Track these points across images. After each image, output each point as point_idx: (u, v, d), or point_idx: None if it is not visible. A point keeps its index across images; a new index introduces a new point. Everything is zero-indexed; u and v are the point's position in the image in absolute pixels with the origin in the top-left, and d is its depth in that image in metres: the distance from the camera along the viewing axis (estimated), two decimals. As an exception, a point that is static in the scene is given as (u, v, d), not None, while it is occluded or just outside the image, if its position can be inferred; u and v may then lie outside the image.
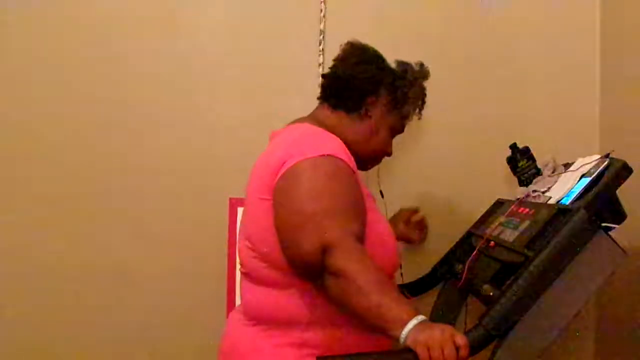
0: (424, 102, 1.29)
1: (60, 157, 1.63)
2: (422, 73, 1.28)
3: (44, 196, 1.63)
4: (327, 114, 1.23)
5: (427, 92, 1.30)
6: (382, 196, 1.36)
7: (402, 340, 0.87)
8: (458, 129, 1.71)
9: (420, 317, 0.89)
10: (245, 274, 1.18)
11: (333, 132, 1.17)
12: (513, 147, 1.42)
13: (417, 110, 1.28)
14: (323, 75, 1.27)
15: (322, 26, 1.66)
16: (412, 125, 1.68)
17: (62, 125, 1.63)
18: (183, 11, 1.66)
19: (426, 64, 1.67)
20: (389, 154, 1.31)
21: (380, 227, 1.13)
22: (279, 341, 1.09)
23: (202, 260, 1.62)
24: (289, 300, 1.09)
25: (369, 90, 1.21)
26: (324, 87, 1.26)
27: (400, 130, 1.30)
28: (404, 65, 1.27)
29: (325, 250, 0.95)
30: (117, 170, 1.65)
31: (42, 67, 1.62)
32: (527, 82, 1.72)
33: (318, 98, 1.26)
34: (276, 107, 1.57)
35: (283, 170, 1.04)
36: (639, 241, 1.32)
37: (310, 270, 0.99)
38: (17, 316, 1.62)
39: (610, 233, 1.01)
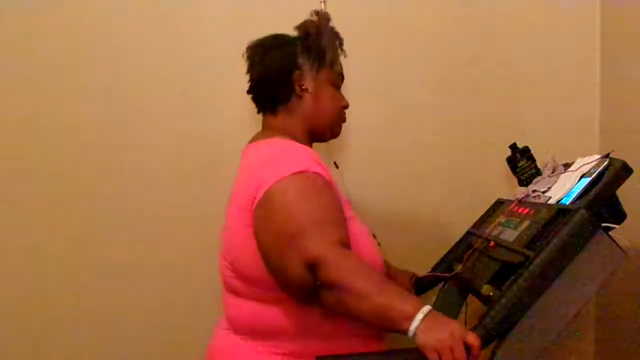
0: (340, 40, 1.26)
1: (59, 157, 1.63)
2: (322, 17, 1.24)
3: (43, 196, 1.62)
4: (274, 119, 1.22)
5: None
6: (337, 167, 1.33)
7: (410, 333, 0.87)
8: (458, 128, 1.71)
9: (426, 309, 0.88)
10: (226, 287, 1.18)
11: (289, 133, 1.16)
12: (513, 147, 1.43)
13: (339, 50, 1.26)
14: (249, 92, 1.26)
15: (322, 26, 1.65)
16: (412, 125, 1.70)
17: (61, 124, 1.62)
18: (183, 11, 1.66)
19: (426, 64, 1.69)
20: (346, 106, 1.28)
21: (357, 235, 1.09)
22: (262, 349, 1.09)
23: (203, 262, 1.62)
24: (272, 314, 1.08)
25: (288, 70, 1.19)
26: (255, 101, 1.25)
27: (340, 78, 1.28)
28: (302, 25, 1.24)
29: (313, 267, 0.94)
30: (116, 171, 1.64)
31: (42, 67, 1.62)
32: (527, 82, 1.72)
33: (258, 113, 1.27)
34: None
35: (260, 196, 1.02)
36: (639, 241, 1.32)
37: (305, 292, 0.98)
38: (16, 315, 1.62)
39: (610, 233, 1.01)
